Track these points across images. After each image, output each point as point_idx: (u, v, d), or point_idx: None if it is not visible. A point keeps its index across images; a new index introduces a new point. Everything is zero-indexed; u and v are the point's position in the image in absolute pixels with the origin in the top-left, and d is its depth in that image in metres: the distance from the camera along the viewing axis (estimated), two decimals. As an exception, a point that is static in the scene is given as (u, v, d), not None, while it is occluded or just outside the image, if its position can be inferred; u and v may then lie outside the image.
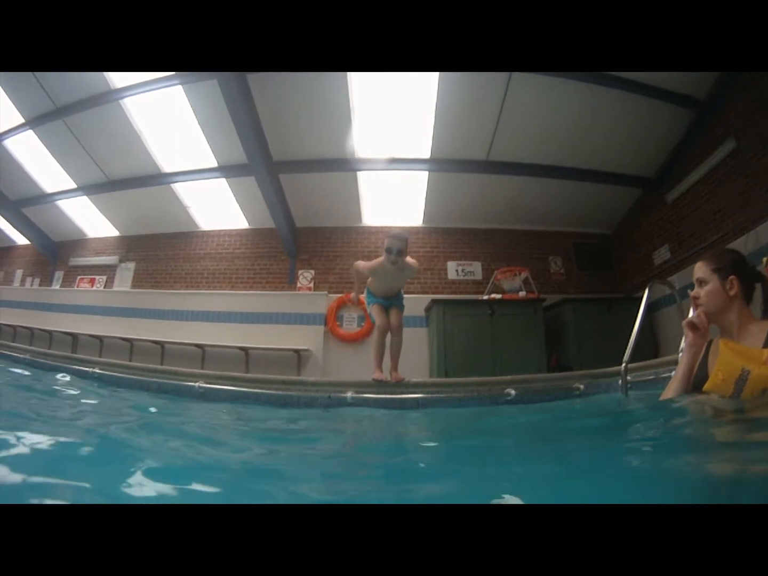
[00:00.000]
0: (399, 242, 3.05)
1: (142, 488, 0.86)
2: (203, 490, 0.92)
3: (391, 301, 3.32)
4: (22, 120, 5.65)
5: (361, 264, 3.37)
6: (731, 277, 1.46)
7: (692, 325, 1.52)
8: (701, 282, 1.52)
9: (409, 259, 3.16)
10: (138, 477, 0.89)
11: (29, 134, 5.80)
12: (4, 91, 5.25)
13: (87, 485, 0.85)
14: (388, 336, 3.29)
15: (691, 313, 1.61)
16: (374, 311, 3.28)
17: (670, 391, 1.54)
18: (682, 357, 1.56)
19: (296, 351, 5.86)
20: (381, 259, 3.13)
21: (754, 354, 1.29)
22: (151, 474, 0.91)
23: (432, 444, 1.84)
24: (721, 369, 1.33)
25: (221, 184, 6.17)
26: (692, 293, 1.55)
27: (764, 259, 1.63)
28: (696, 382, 1.48)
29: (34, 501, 0.74)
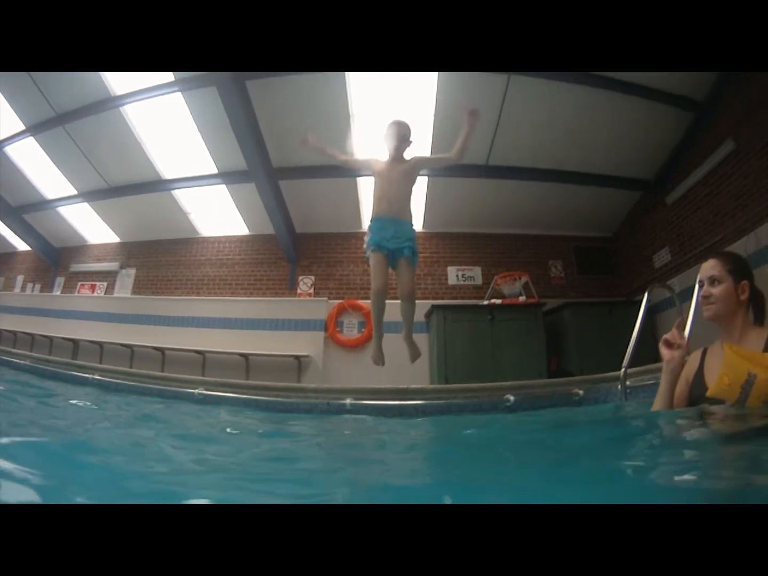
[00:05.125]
0: (403, 127, 2.56)
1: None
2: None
3: (399, 243, 2.43)
4: (22, 127, 5.67)
5: (351, 159, 2.83)
6: (743, 282, 1.43)
7: (667, 343, 1.50)
8: (714, 280, 1.45)
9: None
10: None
11: (30, 141, 5.82)
12: (5, 97, 5.27)
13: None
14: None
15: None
16: (372, 264, 2.46)
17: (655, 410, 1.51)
18: (662, 375, 1.51)
19: (296, 357, 5.85)
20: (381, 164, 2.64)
21: (761, 358, 1.25)
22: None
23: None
24: (727, 373, 1.27)
25: (221, 191, 6.18)
26: (703, 291, 1.47)
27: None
28: (695, 395, 1.45)
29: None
